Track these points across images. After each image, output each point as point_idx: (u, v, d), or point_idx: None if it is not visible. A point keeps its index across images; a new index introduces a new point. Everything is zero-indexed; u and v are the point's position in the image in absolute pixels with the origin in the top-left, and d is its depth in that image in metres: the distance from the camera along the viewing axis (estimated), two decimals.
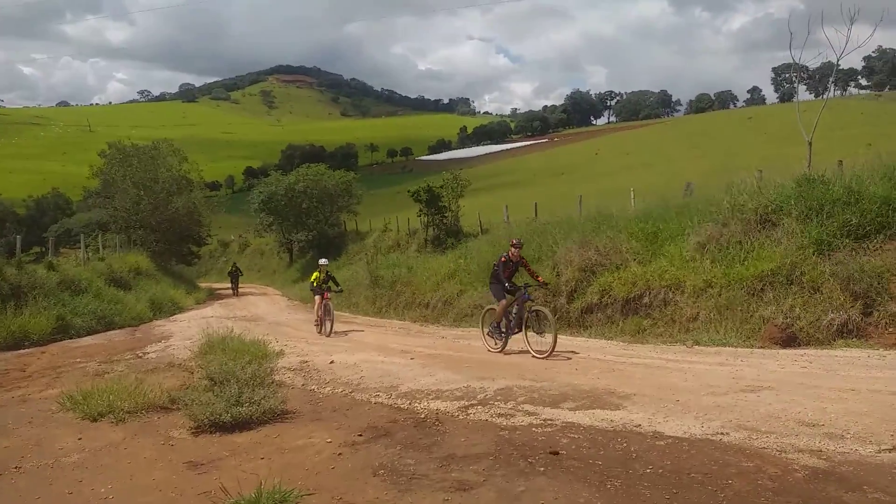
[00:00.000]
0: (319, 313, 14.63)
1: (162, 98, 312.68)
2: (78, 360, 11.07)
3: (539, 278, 10.40)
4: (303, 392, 8.04)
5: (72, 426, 6.55)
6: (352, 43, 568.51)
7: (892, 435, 4.89)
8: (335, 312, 14.71)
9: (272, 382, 7.81)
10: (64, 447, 5.86)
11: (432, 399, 7.12)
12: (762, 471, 4.38)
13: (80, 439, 6.08)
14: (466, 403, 6.80)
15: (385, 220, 33.42)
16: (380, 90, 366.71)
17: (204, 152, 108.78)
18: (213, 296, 30.80)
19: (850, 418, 5.33)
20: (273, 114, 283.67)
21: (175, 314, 20.76)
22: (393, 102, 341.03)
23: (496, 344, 10.38)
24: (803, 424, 5.29)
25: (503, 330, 10.19)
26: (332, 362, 9.86)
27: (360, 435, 5.84)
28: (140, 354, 11.73)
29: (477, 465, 4.86)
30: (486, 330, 10.77)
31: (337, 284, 15.33)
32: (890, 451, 4.61)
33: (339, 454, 5.33)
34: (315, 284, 15.00)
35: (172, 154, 34.03)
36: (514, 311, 10.06)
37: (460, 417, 6.32)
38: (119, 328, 16.05)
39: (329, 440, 5.72)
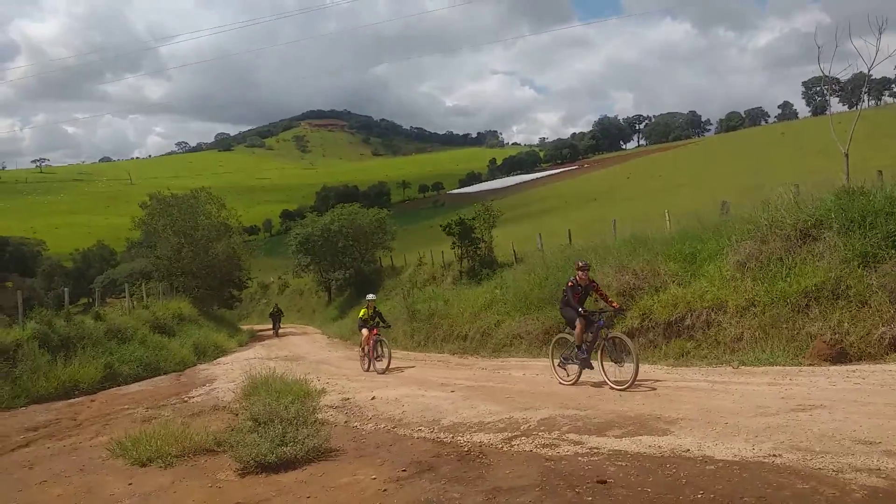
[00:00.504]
0: (366, 349, 14.55)
1: (199, 148, 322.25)
2: (126, 406, 11.28)
3: (614, 304, 9.58)
4: (346, 429, 8.06)
5: (122, 472, 6.66)
6: (379, 84, 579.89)
7: None
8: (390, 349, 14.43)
9: (315, 421, 7.84)
10: (115, 493, 5.96)
11: (475, 431, 7.07)
12: (819, 492, 4.24)
13: (130, 485, 6.17)
14: (510, 435, 6.73)
15: (420, 255, 33.62)
16: (409, 128, 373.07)
17: (241, 198, 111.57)
18: (254, 337, 31.18)
19: None
20: (307, 157, 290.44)
21: (218, 357, 21.03)
22: (422, 139, 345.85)
23: (569, 376, 9.69)
24: (859, 443, 5.11)
25: (583, 355, 9.28)
26: (373, 398, 9.86)
27: (405, 470, 5.82)
28: (185, 399, 11.91)
29: (523, 496, 4.80)
30: (556, 361, 10.04)
31: (384, 320, 15.08)
32: None
33: (385, 490, 5.32)
34: (363, 321, 14.89)
35: (210, 202, 34.85)
36: (588, 339, 9.29)
37: (504, 449, 6.26)
38: (164, 374, 16.32)
39: (374, 476, 5.71)
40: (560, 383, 9.72)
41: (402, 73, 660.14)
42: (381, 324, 14.82)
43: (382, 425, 8.04)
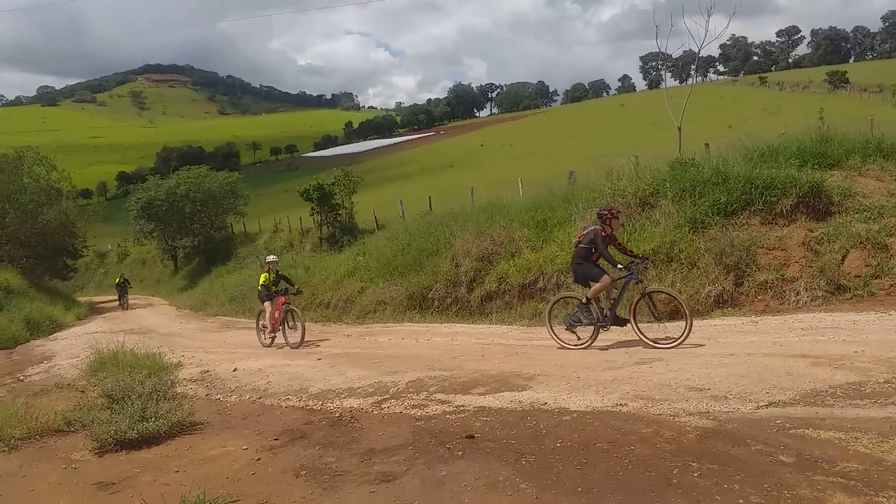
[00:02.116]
0: (268, 322, 12.41)
1: (18, 102, 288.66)
2: None
3: (636, 254, 8.61)
4: (208, 402, 7.83)
5: None
6: (225, 39, 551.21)
7: (766, 393, 5.44)
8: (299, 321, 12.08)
9: (175, 395, 7.55)
10: None
11: (345, 397, 7.14)
12: (659, 435, 4.76)
13: None
14: (380, 398, 6.88)
15: (275, 221, 32.70)
16: (258, 87, 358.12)
17: (70, 158, 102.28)
18: (94, 310, 29.01)
19: (732, 381, 5.87)
20: (145, 115, 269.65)
21: (55, 332, 19.46)
22: (273, 99, 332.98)
23: (580, 339, 8.52)
24: (692, 390, 5.77)
25: (598, 318, 8.33)
26: (235, 370, 9.62)
27: (276, 439, 5.80)
28: (21, 378, 10.98)
29: (398, 456, 4.98)
30: (559, 325, 8.84)
31: (292, 284, 12.81)
32: (767, 406, 5.15)
33: (258, 459, 5.29)
34: (265, 287, 12.58)
35: (39, 162, 31.61)
36: (614, 296, 8.38)
37: (375, 412, 6.40)
38: None
39: (245, 447, 5.64)
40: (564, 347, 8.63)
41: (250, 28, 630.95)
42: (291, 289, 12.57)
43: (247, 396, 7.88)
